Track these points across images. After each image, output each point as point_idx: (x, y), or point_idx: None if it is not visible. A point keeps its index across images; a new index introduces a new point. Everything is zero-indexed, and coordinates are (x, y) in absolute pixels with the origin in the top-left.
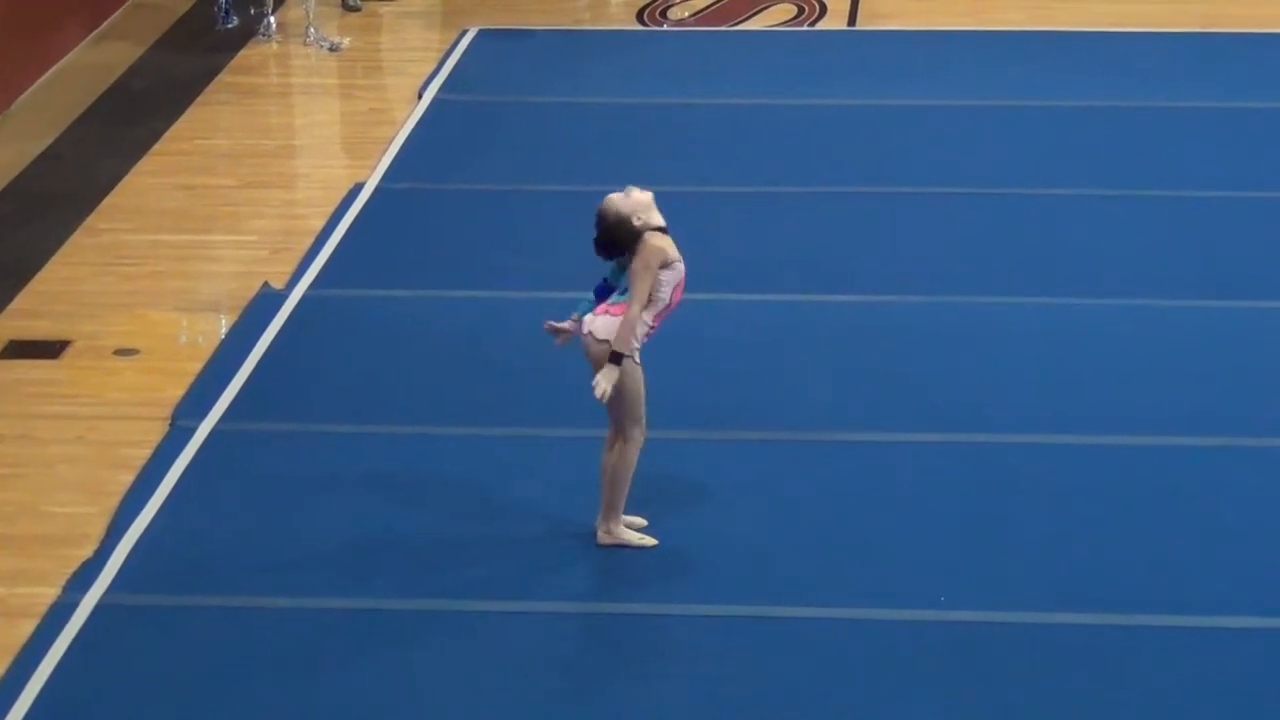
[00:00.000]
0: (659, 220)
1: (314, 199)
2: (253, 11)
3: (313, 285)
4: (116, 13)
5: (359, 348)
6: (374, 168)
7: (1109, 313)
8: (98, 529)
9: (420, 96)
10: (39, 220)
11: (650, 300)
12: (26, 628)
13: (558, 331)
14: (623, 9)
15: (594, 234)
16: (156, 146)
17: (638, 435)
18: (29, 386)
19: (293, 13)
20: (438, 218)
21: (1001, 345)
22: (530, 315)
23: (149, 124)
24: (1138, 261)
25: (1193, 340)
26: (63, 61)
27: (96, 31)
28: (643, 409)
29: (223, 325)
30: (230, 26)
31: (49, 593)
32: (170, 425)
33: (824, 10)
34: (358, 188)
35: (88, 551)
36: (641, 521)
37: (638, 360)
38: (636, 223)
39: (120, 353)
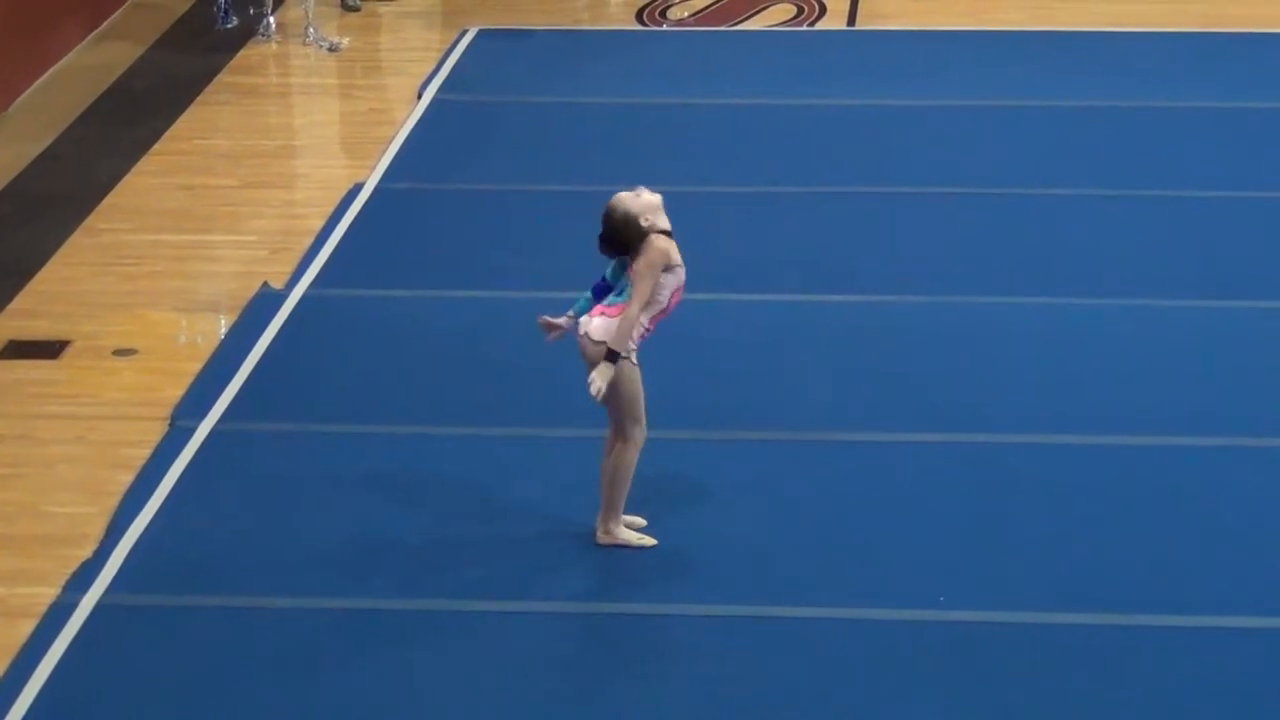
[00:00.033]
0: (665, 224)
1: (313, 199)
2: (252, 11)
3: (312, 285)
4: (116, 13)
5: (358, 348)
6: (373, 168)
7: (1109, 313)
8: (97, 529)
9: (420, 96)
10: (38, 220)
11: (649, 302)
12: (26, 628)
13: (551, 327)
14: (622, 9)
15: (600, 230)
16: (156, 146)
17: (638, 436)
18: (29, 386)
19: (292, 13)
20: (437, 218)
21: (1001, 345)
22: (530, 315)
23: (149, 124)
24: (1138, 261)
25: (1193, 340)
26: (62, 62)
27: (96, 32)
28: (642, 409)
29: (222, 325)
30: (230, 26)
31: (49, 593)
32: (170, 425)
33: (823, 10)
34: (357, 188)
35: (87, 551)
36: (641, 521)
37: (635, 361)
38: (644, 223)
39: (120, 353)
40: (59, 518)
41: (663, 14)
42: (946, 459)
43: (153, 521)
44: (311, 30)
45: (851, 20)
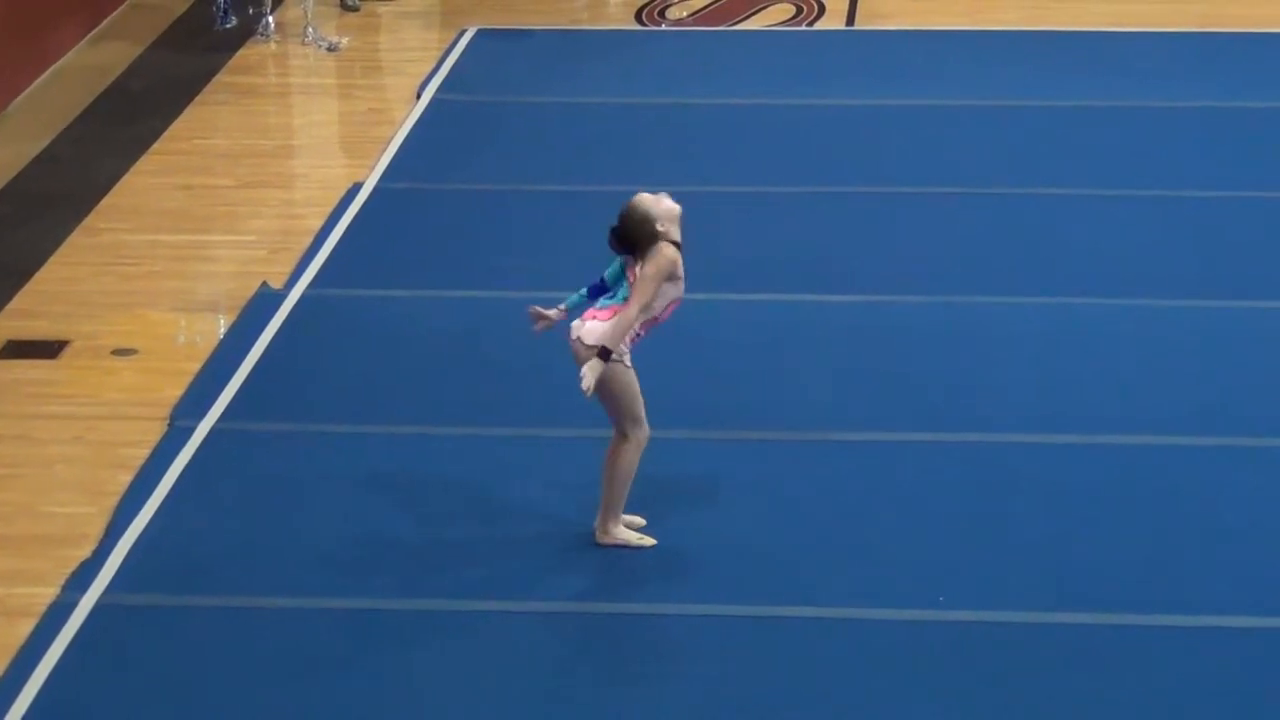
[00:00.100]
0: (678, 236)
1: (312, 199)
2: (251, 11)
3: (311, 285)
4: (115, 13)
5: (358, 348)
6: (372, 168)
7: (1109, 313)
8: (96, 529)
9: (419, 96)
10: (37, 220)
11: (646, 306)
12: (25, 628)
13: (541, 317)
14: (621, 9)
15: (614, 224)
16: (155, 146)
17: (638, 436)
18: (27, 386)
19: (291, 13)
20: (436, 218)
21: (1001, 345)
22: (529, 315)
23: (147, 124)
24: (1137, 261)
25: (1192, 340)
26: (61, 61)
27: (95, 31)
28: (640, 410)
29: (221, 325)
30: (228, 26)
31: (48, 593)
32: (169, 425)
33: (822, 10)
34: (356, 188)
35: (86, 551)
36: (640, 521)
37: (628, 364)
38: (660, 228)
39: (119, 353)
40: (58, 518)
41: (661, 14)
42: (946, 459)
43: (152, 521)
44: (310, 30)
45: (850, 20)
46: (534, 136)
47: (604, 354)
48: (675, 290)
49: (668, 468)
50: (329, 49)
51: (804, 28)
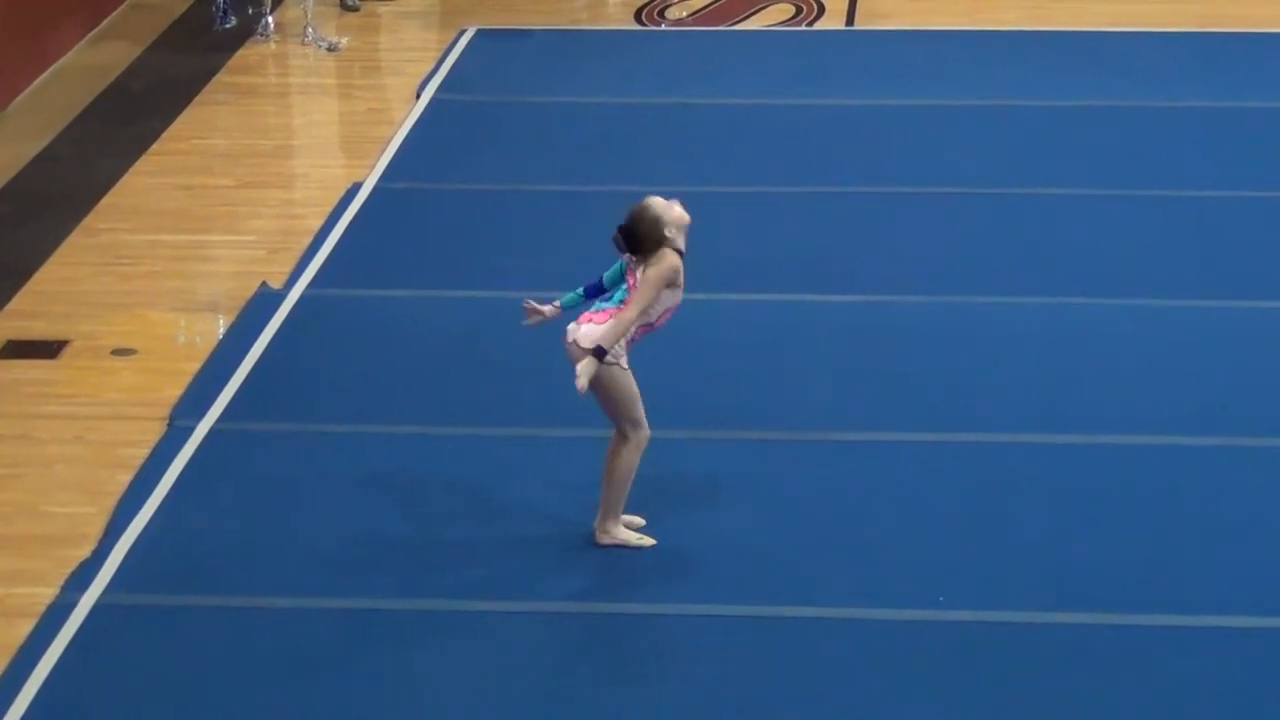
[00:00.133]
0: (683, 245)
1: (312, 199)
2: (251, 11)
3: (311, 285)
4: (114, 13)
5: (357, 348)
6: (372, 168)
7: (1109, 313)
8: (96, 529)
9: (418, 96)
10: (37, 220)
11: (643, 312)
12: (25, 627)
13: (534, 311)
14: (621, 9)
15: (622, 223)
16: (154, 146)
17: (638, 437)
18: (27, 386)
19: (291, 13)
20: (436, 218)
21: (1001, 345)
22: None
23: (147, 124)
24: (1138, 261)
25: (1192, 340)
26: (61, 61)
27: (94, 32)
28: (639, 411)
29: (221, 325)
30: (228, 26)
31: (47, 593)
32: (168, 425)
33: (822, 10)
34: (356, 188)
35: (86, 551)
36: (640, 521)
37: (625, 366)
38: (667, 234)
39: (118, 353)
40: (57, 518)
41: (661, 14)
42: (946, 459)
43: (151, 521)
44: (310, 30)
45: (850, 20)
46: (534, 136)
47: (599, 353)
48: (673, 298)
49: (668, 468)
50: (329, 49)
51: (804, 28)
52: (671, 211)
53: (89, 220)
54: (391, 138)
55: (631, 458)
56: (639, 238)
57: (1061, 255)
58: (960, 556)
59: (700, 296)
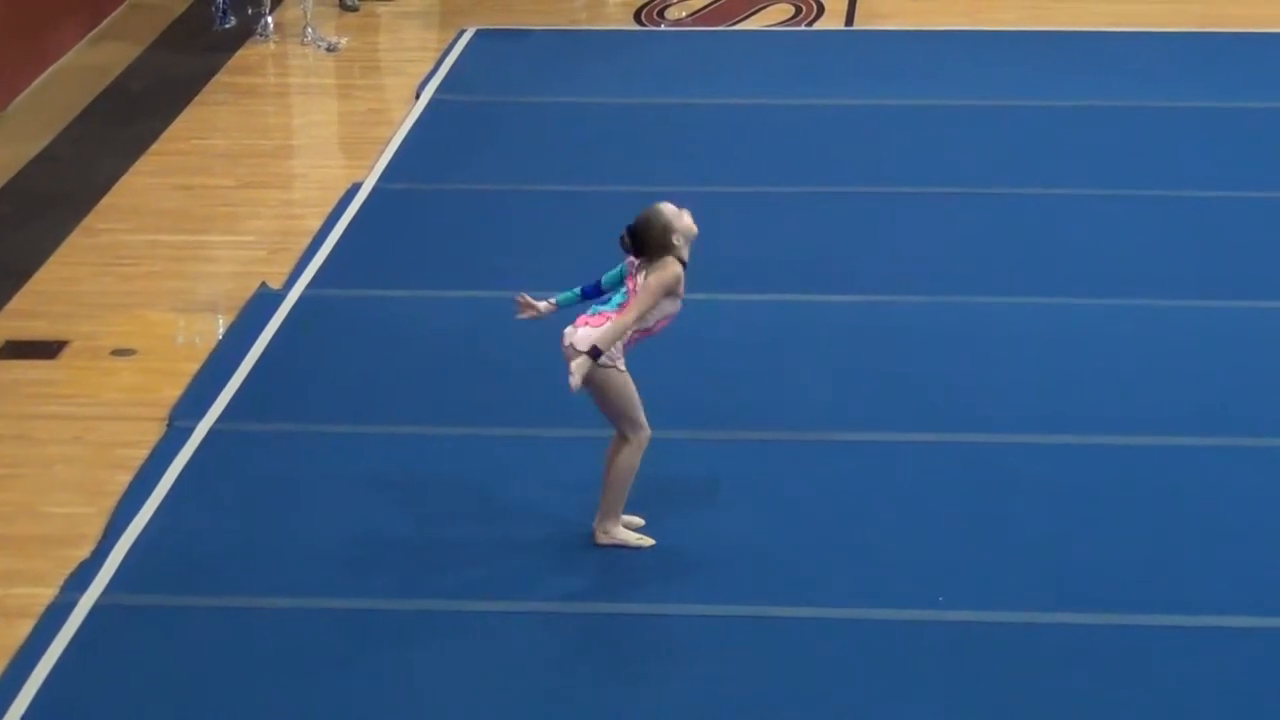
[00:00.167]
0: (686, 256)
1: (311, 199)
2: (250, 12)
3: (310, 285)
4: (114, 13)
5: (357, 348)
6: (371, 168)
7: (1109, 313)
8: (95, 529)
9: (418, 96)
10: (37, 220)
11: (641, 317)
12: (24, 628)
13: (528, 306)
14: (620, 9)
15: (631, 225)
16: (154, 147)
17: (639, 438)
18: (26, 387)
19: (290, 13)
20: (435, 218)
21: (1001, 345)
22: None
23: (146, 124)
24: (1138, 261)
25: (1192, 340)
26: (60, 62)
27: (94, 32)
28: (637, 412)
29: (220, 325)
30: (228, 27)
31: (46, 593)
32: (168, 425)
33: (821, 10)
34: (355, 188)
35: (85, 552)
36: (639, 521)
37: (622, 368)
38: (675, 242)
39: (118, 353)
40: (57, 518)
41: (661, 14)
42: (946, 459)
43: (151, 522)
44: (310, 30)
45: (849, 20)
46: (533, 136)
47: (594, 353)
48: (672, 306)
49: (667, 468)
50: (328, 49)
51: (803, 28)
52: (681, 220)
53: (89, 220)
54: (391, 138)
55: (632, 458)
56: (647, 241)
57: (1061, 255)
58: (960, 556)
59: (700, 296)
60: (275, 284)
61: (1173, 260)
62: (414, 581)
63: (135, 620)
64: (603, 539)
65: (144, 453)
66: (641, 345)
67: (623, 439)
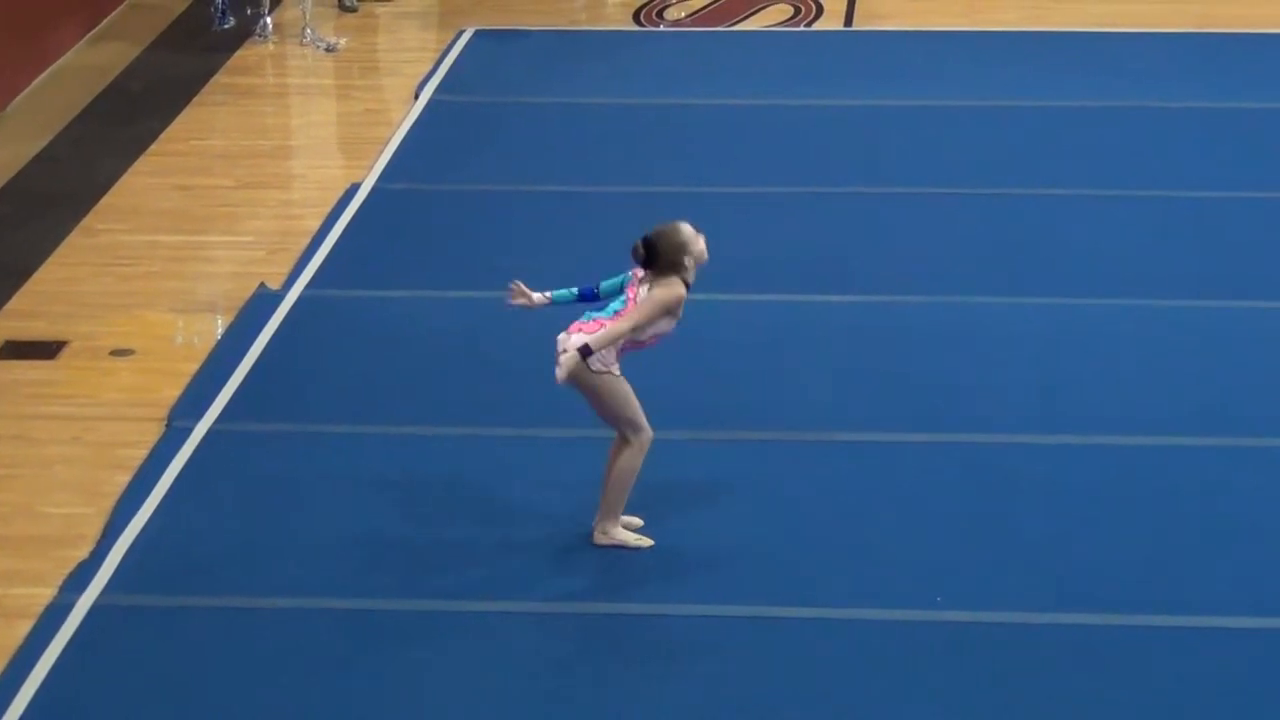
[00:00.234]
0: (692, 279)
1: (310, 199)
2: (249, 12)
3: (309, 286)
4: (113, 13)
5: (356, 348)
6: (370, 168)
7: (1109, 313)
8: (94, 529)
9: (417, 97)
10: (36, 221)
11: (637, 328)
12: (23, 628)
13: (521, 294)
14: (619, 9)
15: (647, 235)
16: (153, 147)
17: (639, 440)
18: (25, 387)
19: (289, 13)
20: (435, 218)
21: (1001, 345)
22: (527, 316)
23: (146, 124)
24: (1137, 261)
25: (1193, 340)
26: (59, 62)
27: (93, 32)
28: (636, 414)
29: (219, 326)
30: (227, 27)
31: (45, 593)
32: (166, 426)
33: (821, 11)
34: (354, 188)
35: (84, 552)
36: (638, 521)
37: (617, 373)
38: (686, 262)
39: (117, 353)
40: (55, 518)
41: (660, 14)
42: (946, 459)
43: (150, 522)
44: (308, 31)
45: (848, 21)
46: (532, 137)
47: (584, 351)
48: (667, 325)
49: (667, 468)
50: (327, 50)
51: (802, 28)
52: (697, 244)
53: (88, 220)
54: (390, 138)
55: (634, 460)
56: (660, 256)
57: (1061, 255)
58: (959, 557)
59: (700, 296)
60: (274, 284)
61: (1172, 260)
62: (414, 581)
63: (134, 620)
64: (601, 539)
65: (143, 453)
66: (637, 351)
67: (624, 441)
